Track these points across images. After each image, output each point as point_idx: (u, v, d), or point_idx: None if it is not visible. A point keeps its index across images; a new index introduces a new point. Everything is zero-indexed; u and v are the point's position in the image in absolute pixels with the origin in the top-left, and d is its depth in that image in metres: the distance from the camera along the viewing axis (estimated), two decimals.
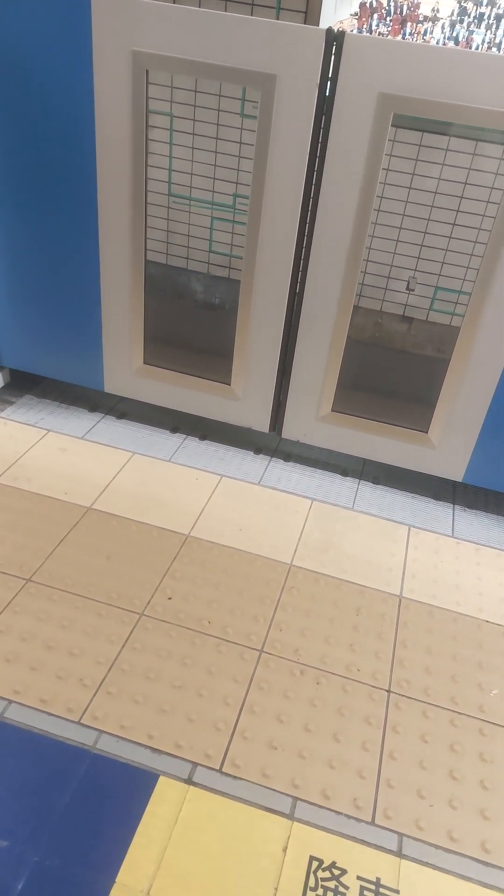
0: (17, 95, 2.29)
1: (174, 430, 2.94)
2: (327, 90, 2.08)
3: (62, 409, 2.97)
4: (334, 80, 2.04)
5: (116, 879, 1.37)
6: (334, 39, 2.00)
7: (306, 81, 2.06)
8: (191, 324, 3.44)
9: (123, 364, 2.80)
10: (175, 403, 2.85)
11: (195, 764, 1.62)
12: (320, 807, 1.57)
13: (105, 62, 2.16)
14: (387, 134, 2.08)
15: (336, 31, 2.00)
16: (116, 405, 3.03)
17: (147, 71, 2.15)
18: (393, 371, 3.35)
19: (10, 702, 1.70)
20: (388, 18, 6.51)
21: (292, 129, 2.14)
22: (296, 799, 1.58)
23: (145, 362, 2.78)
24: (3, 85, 2.28)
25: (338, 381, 2.58)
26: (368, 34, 5.86)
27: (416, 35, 6.43)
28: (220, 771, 1.61)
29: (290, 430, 2.76)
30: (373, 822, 1.55)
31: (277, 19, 2.64)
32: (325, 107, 2.10)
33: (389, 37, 5.97)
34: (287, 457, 2.87)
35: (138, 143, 2.29)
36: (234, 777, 1.60)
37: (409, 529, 2.52)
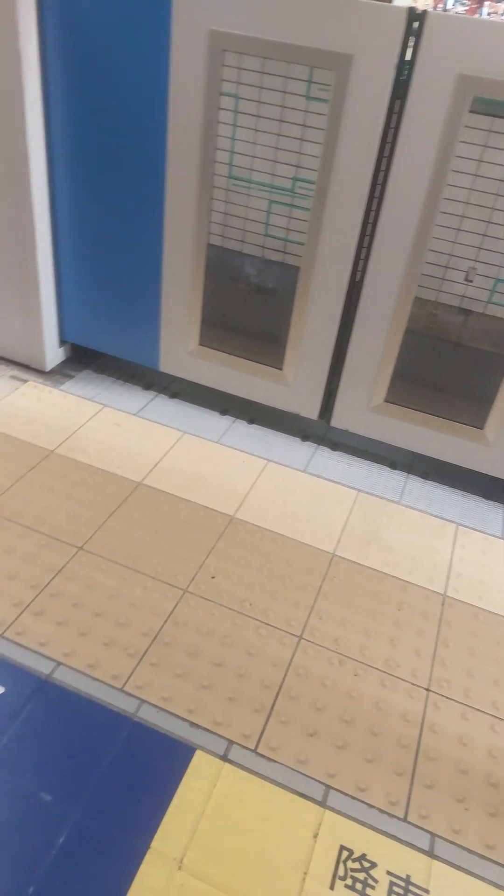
0: (94, 73, 2.31)
1: (224, 412, 2.96)
2: (404, 71, 2.01)
3: (118, 385, 3.03)
4: (412, 60, 1.98)
5: (151, 845, 1.41)
6: (416, 18, 1.93)
7: (384, 62, 2.00)
8: (244, 307, 3.42)
9: (179, 344, 2.82)
10: (226, 386, 2.86)
11: (231, 742, 1.64)
12: (353, 798, 1.57)
13: (183, 41, 2.15)
14: (463, 118, 2.01)
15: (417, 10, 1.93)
16: (170, 384, 3.07)
17: (223, 51, 2.14)
18: (448, 364, 3.26)
19: (59, 664, 1.76)
20: None
21: (365, 111, 2.08)
22: (329, 787, 1.59)
23: (200, 344, 2.80)
24: (81, 62, 2.31)
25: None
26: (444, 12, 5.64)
27: (494, 14, 6.14)
28: (255, 752, 1.63)
29: (340, 419, 2.73)
30: (405, 820, 1.55)
31: None
32: (399, 89, 2.04)
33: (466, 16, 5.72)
34: (334, 445, 2.85)
35: (210, 125, 2.28)
36: (269, 759, 1.62)
37: (457, 528, 2.47)
